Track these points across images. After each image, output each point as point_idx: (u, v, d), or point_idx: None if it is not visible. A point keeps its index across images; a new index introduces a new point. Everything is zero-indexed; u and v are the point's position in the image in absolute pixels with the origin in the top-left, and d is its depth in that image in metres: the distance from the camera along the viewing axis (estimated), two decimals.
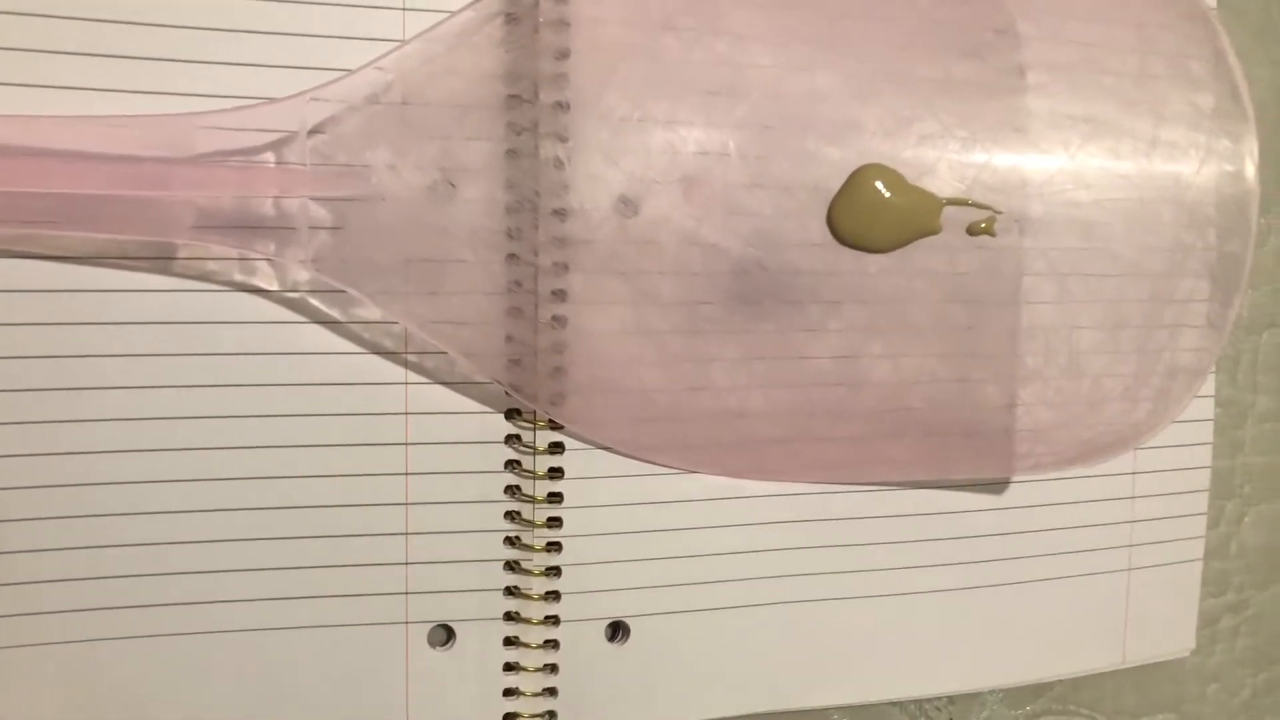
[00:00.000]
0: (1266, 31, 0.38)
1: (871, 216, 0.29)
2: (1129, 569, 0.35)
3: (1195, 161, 0.31)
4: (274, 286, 0.28)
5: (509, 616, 0.30)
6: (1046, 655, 0.35)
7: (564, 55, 0.28)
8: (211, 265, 0.27)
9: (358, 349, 0.28)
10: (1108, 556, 0.35)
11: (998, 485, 0.33)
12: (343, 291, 0.28)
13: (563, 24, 0.28)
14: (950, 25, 0.30)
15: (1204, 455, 0.37)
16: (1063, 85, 0.30)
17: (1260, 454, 0.39)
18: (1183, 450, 0.36)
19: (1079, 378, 0.31)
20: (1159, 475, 0.36)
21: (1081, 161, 0.31)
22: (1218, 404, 0.37)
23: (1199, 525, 0.37)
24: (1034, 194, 0.30)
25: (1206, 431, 0.37)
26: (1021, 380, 0.31)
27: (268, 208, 0.27)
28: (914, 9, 0.30)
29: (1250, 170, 0.31)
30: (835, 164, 0.29)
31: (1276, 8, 0.38)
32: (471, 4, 0.28)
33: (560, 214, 0.28)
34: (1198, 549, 0.37)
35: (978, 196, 0.30)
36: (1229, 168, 0.31)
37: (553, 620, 0.30)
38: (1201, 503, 0.37)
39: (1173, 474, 0.36)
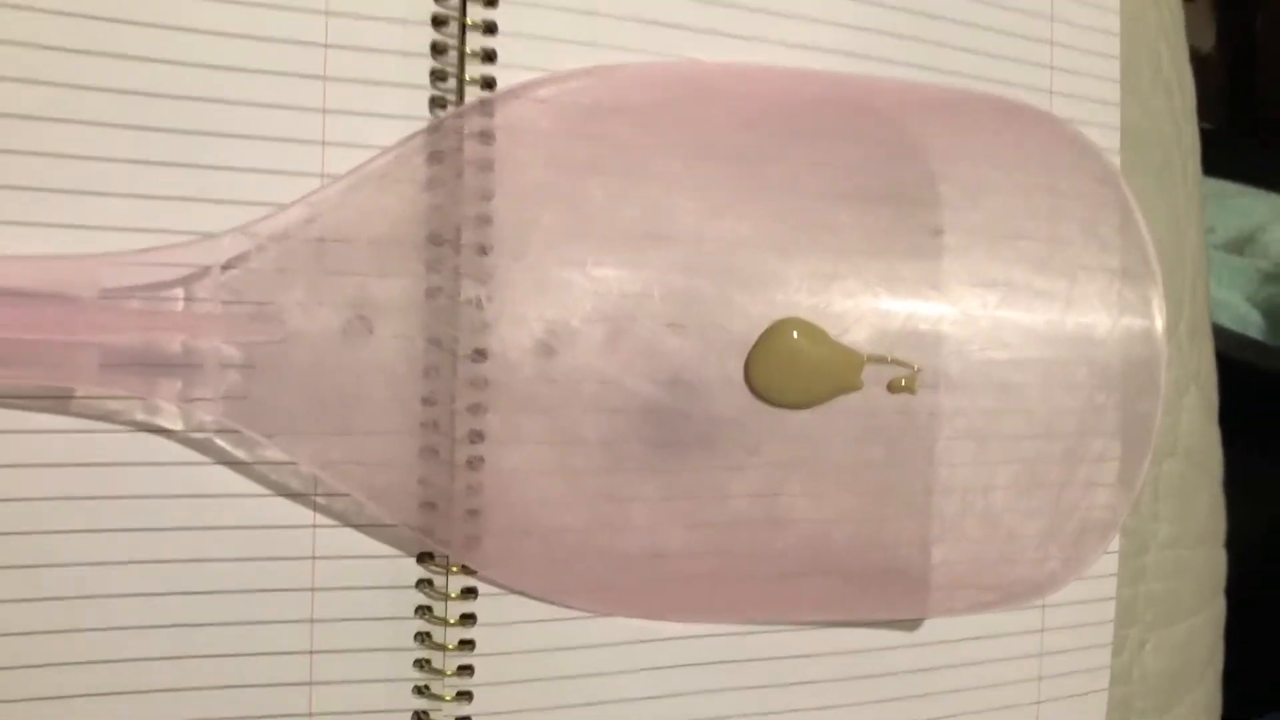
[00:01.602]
0: (1164, 172, 0.39)
1: (790, 372, 0.29)
2: (1038, 701, 0.36)
3: (1107, 321, 0.32)
4: (178, 426, 0.27)
5: None
6: None
7: (488, 196, 0.28)
8: (113, 404, 0.26)
9: (264, 491, 0.27)
10: (1018, 690, 0.35)
11: (911, 622, 0.33)
12: (250, 432, 0.27)
13: (487, 165, 0.28)
14: (873, 176, 0.30)
15: (1109, 586, 0.37)
16: (980, 245, 0.31)
17: (1161, 580, 0.40)
18: (1089, 582, 0.36)
19: (993, 530, 0.32)
20: (1067, 607, 0.36)
21: (998, 320, 0.31)
22: (1121, 534, 0.38)
23: (1105, 655, 0.37)
24: (952, 352, 0.30)
25: (1112, 563, 0.37)
26: (937, 531, 0.31)
27: (175, 346, 0.26)
28: (836, 159, 0.30)
29: (1159, 330, 0.32)
30: (757, 316, 0.29)
31: (1175, 150, 0.40)
32: (397, 143, 0.27)
33: (479, 355, 0.28)
34: (1103, 679, 0.37)
35: (897, 354, 0.30)
36: (1138, 328, 0.32)
37: None
38: (1107, 633, 0.37)
39: (1080, 606, 0.36)
